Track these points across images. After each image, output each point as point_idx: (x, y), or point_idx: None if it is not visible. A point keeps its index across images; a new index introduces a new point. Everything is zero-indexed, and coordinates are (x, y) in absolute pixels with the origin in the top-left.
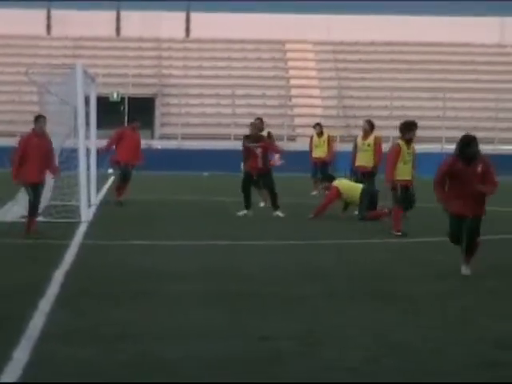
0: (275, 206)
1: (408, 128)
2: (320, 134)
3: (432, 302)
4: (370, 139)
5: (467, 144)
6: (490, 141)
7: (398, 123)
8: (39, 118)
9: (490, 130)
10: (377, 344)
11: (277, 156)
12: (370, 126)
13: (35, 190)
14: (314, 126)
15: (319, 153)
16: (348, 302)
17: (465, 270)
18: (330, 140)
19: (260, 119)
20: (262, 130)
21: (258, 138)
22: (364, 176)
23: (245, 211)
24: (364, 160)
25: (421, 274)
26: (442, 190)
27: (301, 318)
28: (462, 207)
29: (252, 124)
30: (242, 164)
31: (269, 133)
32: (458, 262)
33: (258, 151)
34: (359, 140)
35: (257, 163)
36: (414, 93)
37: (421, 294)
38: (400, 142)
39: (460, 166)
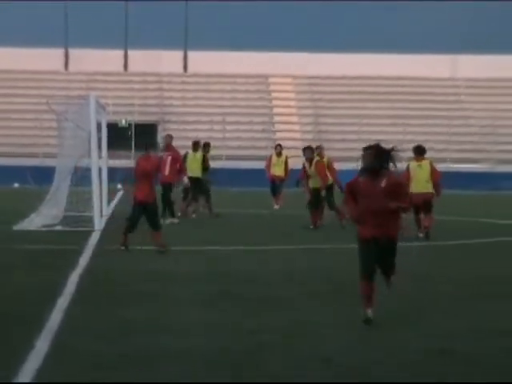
0: (171, 215)
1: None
2: (279, 154)
3: (396, 301)
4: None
5: (364, 152)
6: (443, 160)
7: (365, 145)
8: (150, 147)
9: (443, 151)
10: (349, 337)
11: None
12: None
13: (144, 208)
14: (276, 147)
15: (278, 171)
16: (326, 301)
17: (370, 314)
18: (287, 162)
19: (168, 135)
20: (168, 144)
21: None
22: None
23: (174, 219)
24: (318, 182)
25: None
26: (352, 205)
27: (284, 315)
28: (369, 229)
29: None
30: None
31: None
32: (421, 265)
33: (169, 160)
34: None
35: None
36: (379, 120)
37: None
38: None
39: (362, 180)
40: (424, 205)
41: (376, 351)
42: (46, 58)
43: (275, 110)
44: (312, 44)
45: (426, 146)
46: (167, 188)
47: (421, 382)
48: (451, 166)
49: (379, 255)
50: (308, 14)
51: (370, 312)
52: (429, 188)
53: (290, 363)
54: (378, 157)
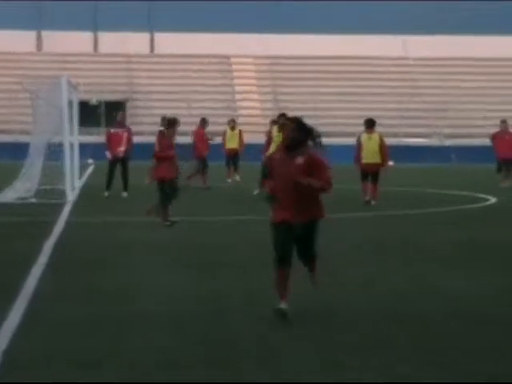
0: (125, 188)
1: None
2: (233, 128)
3: (347, 269)
4: None
5: (284, 122)
6: (396, 135)
7: (322, 121)
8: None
9: (396, 127)
10: (303, 301)
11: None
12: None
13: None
14: (229, 122)
15: (232, 144)
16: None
17: (283, 305)
18: (241, 134)
19: (122, 112)
20: (123, 121)
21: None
22: None
23: (105, 192)
24: None
25: (338, 245)
26: (270, 182)
27: (243, 280)
28: (285, 211)
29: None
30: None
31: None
32: (372, 233)
33: (124, 137)
34: (275, 133)
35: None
36: (335, 96)
37: (340, 263)
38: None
39: (279, 156)
40: (372, 174)
41: (324, 310)
42: (20, 40)
43: (237, 89)
44: (271, 26)
45: (380, 121)
46: (125, 162)
47: (364, 343)
48: (403, 140)
49: (294, 242)
50: None
51: (283, 303)
52: (377, 159)
53: (245, 320)
54: (297, 131)
